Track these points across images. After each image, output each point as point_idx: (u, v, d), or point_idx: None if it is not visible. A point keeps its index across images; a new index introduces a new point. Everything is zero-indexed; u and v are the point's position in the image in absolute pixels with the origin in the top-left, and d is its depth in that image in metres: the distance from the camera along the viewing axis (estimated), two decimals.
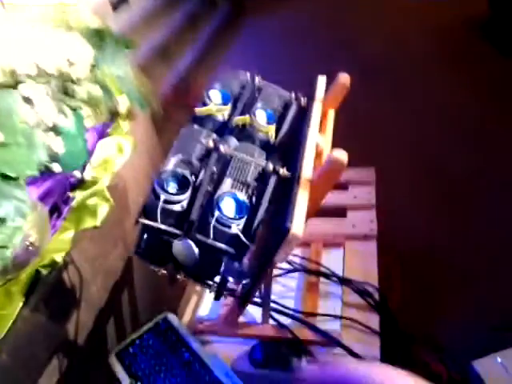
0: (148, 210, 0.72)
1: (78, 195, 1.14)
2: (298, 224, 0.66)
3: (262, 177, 0.75)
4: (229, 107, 0.88)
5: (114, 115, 1.45)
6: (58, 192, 1.14)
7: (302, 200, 0.67)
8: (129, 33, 2.12)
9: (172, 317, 0.84)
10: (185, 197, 0.73)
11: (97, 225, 1.10)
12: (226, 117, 0.88)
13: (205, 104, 0.86)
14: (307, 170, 0.72)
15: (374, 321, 0.98)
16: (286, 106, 0.90)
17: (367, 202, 1.26)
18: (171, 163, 0.76)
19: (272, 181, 0.74)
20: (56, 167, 1.04)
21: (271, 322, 0.88)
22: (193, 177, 0.76)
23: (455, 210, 1.86)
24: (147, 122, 1.62)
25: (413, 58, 2.91)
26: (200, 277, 0.80)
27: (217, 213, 0.69)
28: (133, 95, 1.40)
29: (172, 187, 0.73)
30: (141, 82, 1.54)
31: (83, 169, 1.26)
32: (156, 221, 0.71)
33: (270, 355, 0.87)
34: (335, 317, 1.00)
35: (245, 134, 0.84)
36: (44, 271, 0.96)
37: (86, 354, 1.08)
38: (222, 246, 0.68)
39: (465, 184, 1.96)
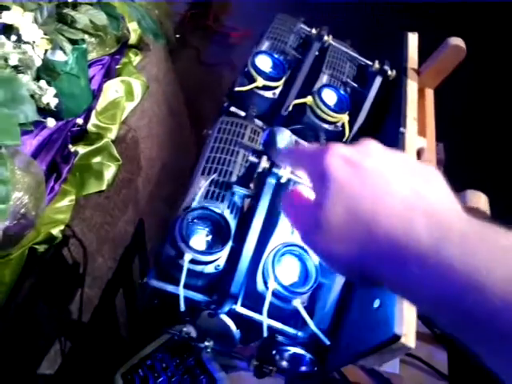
0: (162, 266, 0.48)
1: (80, 150, 0.95)
2: (412, 326, 0.39)
3: None
4: (282, 82, 0.60)
5: (123, 46, 1.22)
6: (57, 145, 0.95)
7: None
8: None
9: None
10: (223, 254, 0.47)
11: (103, 189, 0.92)
12: (278, 94, 0.61)
13: (248, 76, 0.58)
14: None
15: (440, 358, 0.79)
16: (365, 81, 0.64)
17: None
18: (200, 192, 0.48)
19: None
20: (50, 122, 0.84)
21: None
22: (233, 213, 0.49)
23: None
24: (161, 54, 1.38)
25: None
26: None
27: (273, 284, 0.46)
28: (146, 23, 1.16)
29: (200, 235, 0.48)
30: (156, 5, 1.28)
31: (87, 115, 1.06)
32: (176, 284, 0.47)
33: None
34: None
35: (304, 123, 0.58)
36: (40, 249, 0.81)
37: (92, 332, 0.96)
38: (278, 326, 0.47)
39: None
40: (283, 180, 0.48)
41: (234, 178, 0.51)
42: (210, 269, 0.47)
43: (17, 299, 0.78)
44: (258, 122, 0.59)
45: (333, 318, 0.46)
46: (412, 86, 0.56)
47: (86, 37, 1.04)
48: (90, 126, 1.00)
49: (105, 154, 0.94)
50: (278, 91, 0.60)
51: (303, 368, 0.49)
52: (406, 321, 0.38)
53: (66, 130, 0.99)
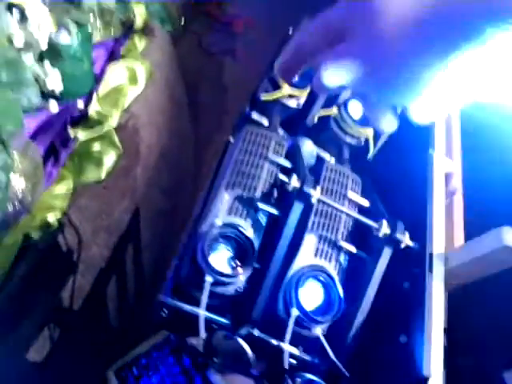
0: (178, 282, 0.46)
1: (80, 135, 0.93)
2: (439, 370, 0.38)
3: (363, 235, 0.50)
4: (307, 91, 0.58)
5: (128, 30, 1.19)
6: (57, 129, 0.93)
7: (439, 310, 0.42)
8: None
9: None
10: (245, 277, 0.45)
11: (101, 177, 0.91)
12: (302, 104, 0.60)
13: (273, 82, 0.57)
14: (439, 240, 0.44)
15: None
16: None
17: None
18: (224, 208, 0.47)
19: (385, 256, 0.45)
20: (53, 106, 0.81)
21: None
22: (256, 233, 0.47)
23: None
24: (166, 40, 1.35)
25: None
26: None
27: (295, 312, 0.46)
28: (153, 7, 1.13)
29: (222, 254, 0.47)
30: None
31: (88, 99, 1.03)
32: (193, 304, 0.46)
33: None
34: None
35: (327, 135, 0.56)
36: (34, 235, 0.79)
37: (82, 319, 0.94)
38: (295, 353, 0.46)
39: None
40: (313, 201, 0.46)
41: (258, 194, 0.49)
42: (230, 291, 0.45)
43: (9, 285, 0.76)
44: (280, 131, 0.57)
45: (352, 348, 0.45)
46: None
47: (92, 19, 1.01)
48: (91, 112, 0.97)
49: (106, 141, 0.92)
50: (302, 101, 0.58)
51: None
52: (435, 362, 0.38)
53: (67, 113, 0.97)
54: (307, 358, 0.46)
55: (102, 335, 0.96)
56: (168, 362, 0.65)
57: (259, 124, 0.58)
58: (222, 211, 0.47)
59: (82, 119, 0.98)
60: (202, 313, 0.43)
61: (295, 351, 0.45)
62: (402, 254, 0.45)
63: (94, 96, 1.01)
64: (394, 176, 0.57)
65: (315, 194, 0.46)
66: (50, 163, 0.88)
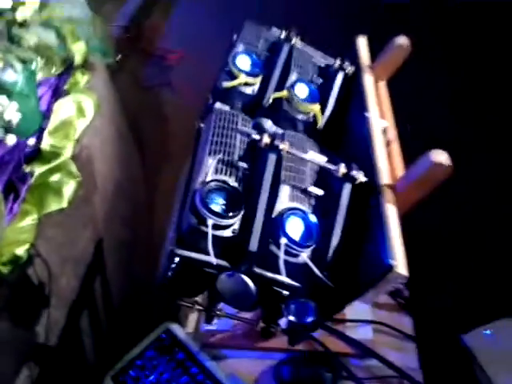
0: (185, 236, 0.54)
1: (36, 170, 0.94)
2: (401, 257, 0.48)
3: (325, 182, 0.60)
4: (259, 79, 0.71)
5: (68, 67, 1.21)
6: (11, 167, 0.93)
7: (393, 219, 0.51)
8: None
9: (175, 328, 0.69)
10: (238, 218, 0.55)
11: (64, 206, 0.91)
12: (256, 91, 0.70)
13: (230, 74, 0.66)
14: (385, 173, 0.56)
15: (407, 323, 0.89)
16: (327, 77, 0.73)
17: None
18: (210, 169, 0.57)
19: (346, 190, 0.56)
20: (10, 139, 0.83)
21: None
22: (240, 185, 0.58)
23: None
24: (105, 74, 1.39)
25: None
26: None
27: (284, 240, 0.53)
28: (93, 42, 1.17)
29: (216, 204, 0.54)
30: (99, 25, 1.30)
31: (38, 136, 1.04)
32: (200, 251, 0.53)
33: (301, 374, 0.76)
34: (365, 322, 0.88)
35: (281, 114, 0.68)
36: (4, 270, 0.78)
37: (60, 355, 0.92)
38: (288, 280, 0.53)
39: None
40: (283, 153, 0.54)
41: (236, 157, 0.58)
42: (227, 233, 0.53)
43: None
44: (267, 124, 0.67)
45: (332, 266, 0.53)
46: (368, 79, 0.67)
47: (34, 58, 1.03)
48: (44, 146, 0.98)
49: (63, 171, 0.94)
50: (256, 88, 0.69)
51: (308, 319, 0.55)
52: (396, 251, 0.46)
53: (18, 151, 0.97)
54: (297, 283, 0.53)
55: (80, 366, 0.94)
56: (163, 360, 0.67)
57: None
58: (210, 172, 0.55)
59: (36, 155, 0.99)
60: (211, 249, 0.49)
61: (288, 280, 0.52)
62: (360, 189, 0.54)
63: (45, 133, 1.02)
64: (344, 136, 0.68)
65: (284, 147, 0.54)
66: (11, 199, 0.88)
